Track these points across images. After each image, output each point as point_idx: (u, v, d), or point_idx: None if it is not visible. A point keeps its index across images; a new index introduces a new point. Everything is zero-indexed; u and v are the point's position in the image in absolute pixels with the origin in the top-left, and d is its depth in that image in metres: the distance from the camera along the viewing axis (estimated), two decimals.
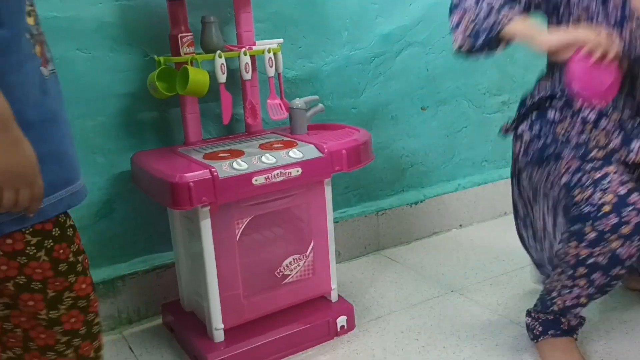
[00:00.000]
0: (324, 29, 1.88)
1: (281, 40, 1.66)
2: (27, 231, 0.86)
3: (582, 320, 1.46)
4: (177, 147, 1.58)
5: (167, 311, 1.68)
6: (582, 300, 1.36)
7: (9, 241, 0.85)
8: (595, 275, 1.29)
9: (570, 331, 1.45)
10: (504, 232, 2.24)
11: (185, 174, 1.30)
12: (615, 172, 1.28)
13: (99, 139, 1.60)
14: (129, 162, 1.58)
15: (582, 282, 1.32)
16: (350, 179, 2.01)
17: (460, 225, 2.30)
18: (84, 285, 0.94)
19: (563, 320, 1.43)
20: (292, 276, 1.55)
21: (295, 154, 1.45)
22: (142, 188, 1.49)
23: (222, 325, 1.46)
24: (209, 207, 1.35)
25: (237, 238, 1.45)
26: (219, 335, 1.46)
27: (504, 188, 2.38)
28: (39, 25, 0.86)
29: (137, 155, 1.53)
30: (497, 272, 1.94)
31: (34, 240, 0.87)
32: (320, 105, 1.67)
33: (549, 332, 1.44)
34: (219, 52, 1.51)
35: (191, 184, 1.29)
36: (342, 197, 2.04)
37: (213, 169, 1.33)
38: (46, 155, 0.84)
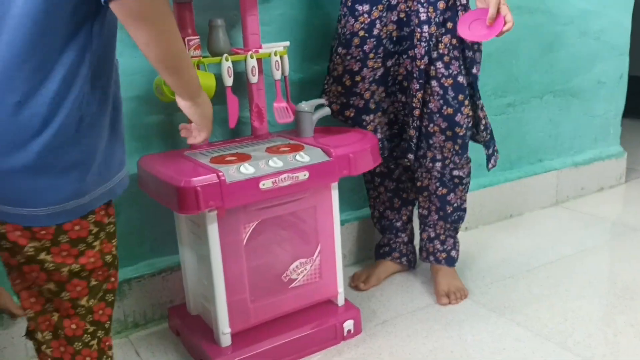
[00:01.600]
0: (330, 31, 1.87)
1: (287, 43, 1.65)
2: (92, 223, 0.99)
3: None
4: (183, 150, 1.57)
5: (173, 315, 1.68)
6: None
7: (77, 227, 0.97)
8: None
9: None
10: (510, 235, 2.24)
11: (192, 179, 1.30)
12: None
13: None
14: (135, 166, 1.57)
15: None
16: (355, 180, 2.01)
17: (466, 228, 2.29)
18: (113, 279, 1.07)
19: None
20: (299, 280, 1.55)
21: (302, 157, 1.44)
22: (149, 192, 1.48)
23: (229, 330, 1.46)
24: (216, 212, 1.35)
25: (244, 242, 1.44)
26: (225, 340, 1.46)
27: (510, 191, 2.38)
28: None
29: (143, 159, 1.52)
30: (504, 275, 1.94)
31: (95, 230, 1.00)
32: (327, 108, 1.66)
33: None
34: (225, 55, 1.51)
35: (198, 188, 1.28)
36: (348, 199, 2.03)
37: (220, 173, 1.32)
38: (121, 136, 1.04)
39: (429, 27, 1.61)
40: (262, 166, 1.39)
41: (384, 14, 1.64)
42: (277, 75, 1.61)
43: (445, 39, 1.63)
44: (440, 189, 1.77)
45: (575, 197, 2.60)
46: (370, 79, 1.69)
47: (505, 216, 2.39)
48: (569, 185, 2.57)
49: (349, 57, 1.68)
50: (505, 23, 1.54)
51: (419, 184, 1.81)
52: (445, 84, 1.64)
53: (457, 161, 1.73)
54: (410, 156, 1.73)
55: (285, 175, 1.39)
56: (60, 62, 0.89)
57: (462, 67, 1.66)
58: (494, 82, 2.26)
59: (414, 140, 1.70)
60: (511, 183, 2.39)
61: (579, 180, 2.60)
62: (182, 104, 1.13)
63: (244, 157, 1.44)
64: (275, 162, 1.40)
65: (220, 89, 1.53)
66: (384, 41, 1.66)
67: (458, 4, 1.63)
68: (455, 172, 1.75)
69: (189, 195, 1.28)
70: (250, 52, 1.55)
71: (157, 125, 1.66)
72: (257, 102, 1.62)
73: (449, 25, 1.63)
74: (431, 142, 1.70)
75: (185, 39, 1.47)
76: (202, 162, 1.42)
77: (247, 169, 1.36)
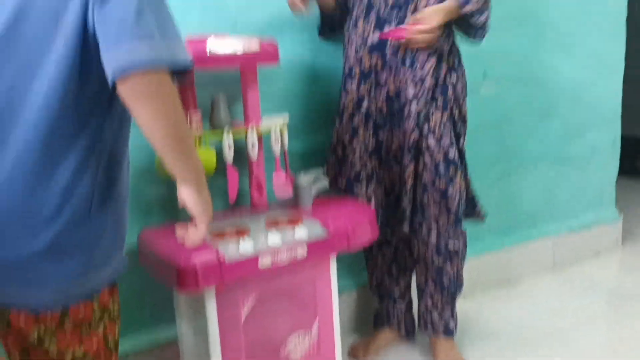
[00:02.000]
0: (329, 103, 1.92)
1: (287, 115, 1.69)
2: (96, 305, 0.99)
3: None
4: (182, 222, 1.58)
5: None
6: None
7: (82, 310, 0.97)
8: None
9: None
10: (507, 303, 2.23)
11: (192, 258, 1.30)
12: None
13: None
14: (135, 236, 1.58)
15: None
16: None
17: (464, 296, 2.28)
18: None
19: None
20: (297, 355, 1.53)
21: (300, 232, 1.45)
22: (148, 268, 1.49)
23: None
24: (214, 288, 1.35)
25: (243, 317, 1.44)
26: None
27: (506, 256, 2.39)
28: None
29: (143, 233, 1.53)
30: (501, 347, 1.92)
31: (99, 313, 1.00)
32: (325, 180, 1.69)
33: None
34: (226, 130, 1.54)
35: (198, 268, 1.29)
36: (346, 264, 2.03)
37: (220, 252, 1.33)
38: (126, 215, 1.05)
39: (417, 104, 1.66)
40: (261, 243, 1.40)
41: (373, 91, 1.70)
42: (277, 148, 1.64)
43: (437, 114, 1.68)
44: (436, 259, 1.78)
45: (571, 262, 2.60)
46: (362, 150, 1.73)
47: (502, 282, 2.39)
48: (565, 250, 2.58)
49: (341, 130, 1.75)
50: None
51: (415, 254, 1.82)
52: (437, 158, 1.68)
53: (452, 232, 1.74)
54: (406, 226, 1.74)
55: (284, 251, 1.40)
56: (73, 152, 0.92)
57: (452, 141, 1.71)
58: (489, 151, 2.30)
59: (408, 212, 1.73)
60: (507, 249, 2.39)
61: (575, 245, 2.61)
62: (186, 192, 1.09)
63: (243, 232, 1.45)
64: (274, 238, 1.41)
65: (220, 161, 1.55)
66: (374, 115, 1.72)
67: (447, 81, 1.69)
68: (451, 243, 1.76)
69: (189, 274, 1.29)
70: (250, 126, 1.59)
71: (158, 196, 1.68)
72: (257, 175, 1.65)
73: (439, 101, 1.68)
74: (425, 213, 1.72)
75: (187, 115, 1.50)
76: None
77: (246, 247, 1.37)
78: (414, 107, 1.66)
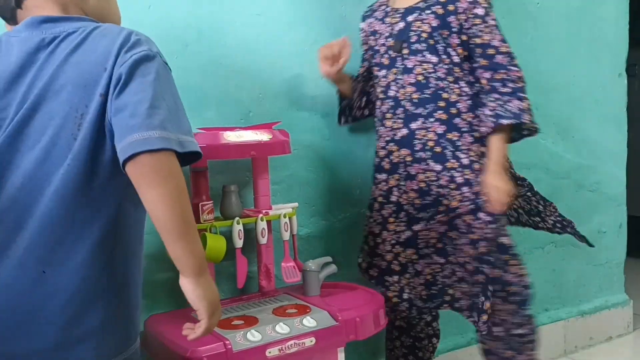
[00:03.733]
0: (337, 189, 1.96)
1: (296, 204, 1.73)
2: None
3: None
4: (190, 309, 1.57)
5: None
6: None
7: None
8: None
9: None
10: None
11: (199, 348, 1.30)
12: None
13: None
14: (142, 323, 1.58)
15: None
16: None
17: None
18: None
19: None
20: None
21: (309, 322, 1.45)
22: (154, 357, 1.48)
23: None
24: None
25: None
26: None
27: None
28: None
29: (150, 321, 1.53)
30: None
31: None
32: (333, 266, 1.70)
33: None
34: (237, 219, 1.57)
35: (205, 359, 1.28)
36: (354, 352, 2.00)
37: (227, 342, 1.33)
38: (138, 306, 1.07)
39: (471, 188, 1.63)
40: (268, 332, 1.39)
41: (403, 183, 1.71)
42: (286, 236, 1.67)
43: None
44: (506, 351, 1.71)
45: (583, 348, 2.55)
46: (393, 241, 1.73)
47: None
48: (576, 335, 2.53)
49: (371, 220, 1.78)
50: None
51: (485, 346, 1.76)
52: (489, 247, 1.64)
53: (517, 321, 1.69)
54: (473, 318, 1.72)
55: (291, 342, 1.39)
56: (87, 236, 0.95)
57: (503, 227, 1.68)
58: None
59: (467, 307, 1.71)
60: None
61: (587, 330, 2.57)
62: (184, 282, 1.03)
63: (251, 321, 1.45)
64: (282, 328, 1.41)
65: (230, 248, 1.57)
66: (405, 207, 1.71)
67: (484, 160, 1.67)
68: (517, 331, 1.69)
69: None
70: (260, 215, 1.62)
71: (166, 282, 1.69)
72: (266, 262, 1.66)
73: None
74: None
75: (200, 204, 1.54)
76: None
77: (253, 336, 1.36)
78: (466, 191, 1.63)
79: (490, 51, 1.62)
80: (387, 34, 1.71)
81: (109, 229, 0.97)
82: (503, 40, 1.64)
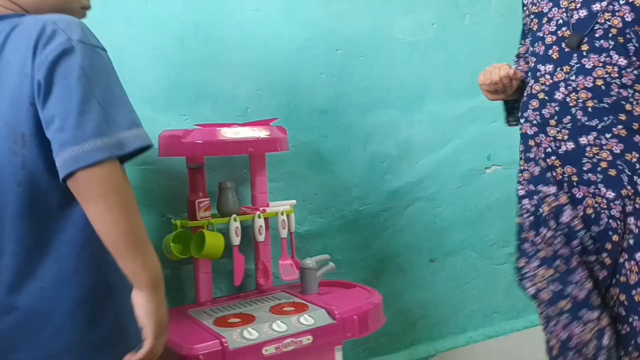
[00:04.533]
0: (335, 186, 1.95)
1: (294, 201, 1.71)
2: None
3: None
4: (187, 307, 1.57)
5: None
6: None
7: None
8: None
9: None
10: None
11: (195, 346, 1.29)
12: None
13: None
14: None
15: None
16: None
17: None
18: None
19: None
20: None
21: (306, 320, 1.43)
22: None
23: None
24: None
25: None
26: None
27: (516, 340, 2.33)
28: None
29: None
30: None
31: None
32: (331, 264, 1.69)
33: None
34: (234, 216, 1.56)
35: (201, 356, 1.27)
36: (351, 351, 1.99)
37: (223, 339, 1.31)
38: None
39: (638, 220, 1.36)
40: (265, 330, 1.38)
41: (575, 213, 1.39)
42: (284, 233, 1.65)
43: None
44: None
45: None
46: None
47: None
48: None
49: (528, 236, 1.51)
50: None
51: None
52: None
53: None
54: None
55: (289, 340, 1.38)
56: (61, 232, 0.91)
57: None
58: (496, 232, 2.29)
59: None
60: (517, 333, 2.34)
61: None
62: (136, 294, 0.91)
63: (248, 319, 1.44)
64: (279, 326, 1.40)
65: (227, 245, 1.56)
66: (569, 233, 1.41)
67: None
68: None
69: None
70: (257, 212, 1.60)
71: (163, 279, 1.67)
72: (263, 260, 1.65)
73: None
74: None
75: (196, 201, 1.53)
76: (205, 324, 1.42)
77: (250, 334, 1.35)
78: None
79: None
80: (560, 21, 1.39)
81: (84, 233, 0.91)
82: None
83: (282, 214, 1.65)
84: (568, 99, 1.37)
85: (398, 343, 2.10)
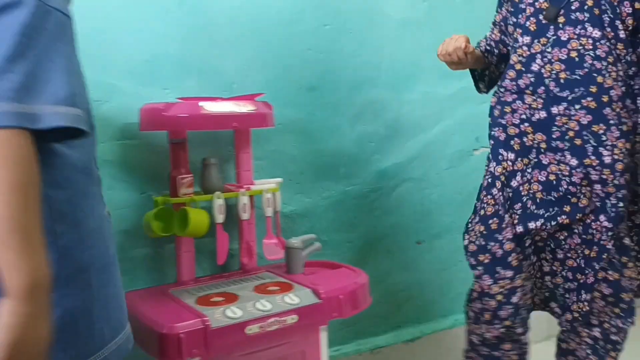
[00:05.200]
0: (322, 166, 1.91)
1: (280, 179, 1.67)
2: None
3: None
4: (169, 286, 1.53)
5: None
6: None
7: None
8: None
9: None
10: None
11: (176, 324, 1.25)
12: None
13: None
14: None
15: None
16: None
17: None
18: None
19: None
20: None
21: (291, 299, 1.40)
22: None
23: None
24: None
25: None
26: None
27: None
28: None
29: (127, 297, 1.47)
30: None
31: None
32: (317, 244, 1.65)
33: None
34: (217, 193, 1.51)
35: (181, 335, 1.23)
36: (337, 333, 1.96)
37: (205, 318, 1.28)
38: (110, 297, 0.89)
39: (605, 187, 1.42)
40: (249, 309, 1.34)
41: (529, 170, 1.48)
42: (269, 212, 1.61)
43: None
44: (590, 356, 1.56)
45: None
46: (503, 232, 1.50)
47: None
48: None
49: (485, 199, 1.54)
50: None
51: (564, 345, 1.62)
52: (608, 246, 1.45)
53: (620, 325, 1.53)
54: (566, 324, 1.56)
55: (273, 319, 1.35)
56: None
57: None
58: None
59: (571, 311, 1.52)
60: None
61: None
62: (6, 303, 0.70)
63: (231, 298, 1.40)
64: (264, 305, 1.36)
65: (210, 224, 1.51)
66: (524, 198, 1.48)
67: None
68: (613, 337, 1.53)
69: (171, 342, 1.23)
70: (242, 190, 1.56)
71: (144, 258, 1.63)
72: (247, 239, 1.61)
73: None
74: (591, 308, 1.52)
75: (178, 177, 1.48)
76: (187, 303, 1.38)
77: (234, 313, 1.32)
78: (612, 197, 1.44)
79: None
80: None
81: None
82: None
83: (267, 192, 1.60)
84: (543, 70, 1.42)
85: (384, 325, 2.08)
